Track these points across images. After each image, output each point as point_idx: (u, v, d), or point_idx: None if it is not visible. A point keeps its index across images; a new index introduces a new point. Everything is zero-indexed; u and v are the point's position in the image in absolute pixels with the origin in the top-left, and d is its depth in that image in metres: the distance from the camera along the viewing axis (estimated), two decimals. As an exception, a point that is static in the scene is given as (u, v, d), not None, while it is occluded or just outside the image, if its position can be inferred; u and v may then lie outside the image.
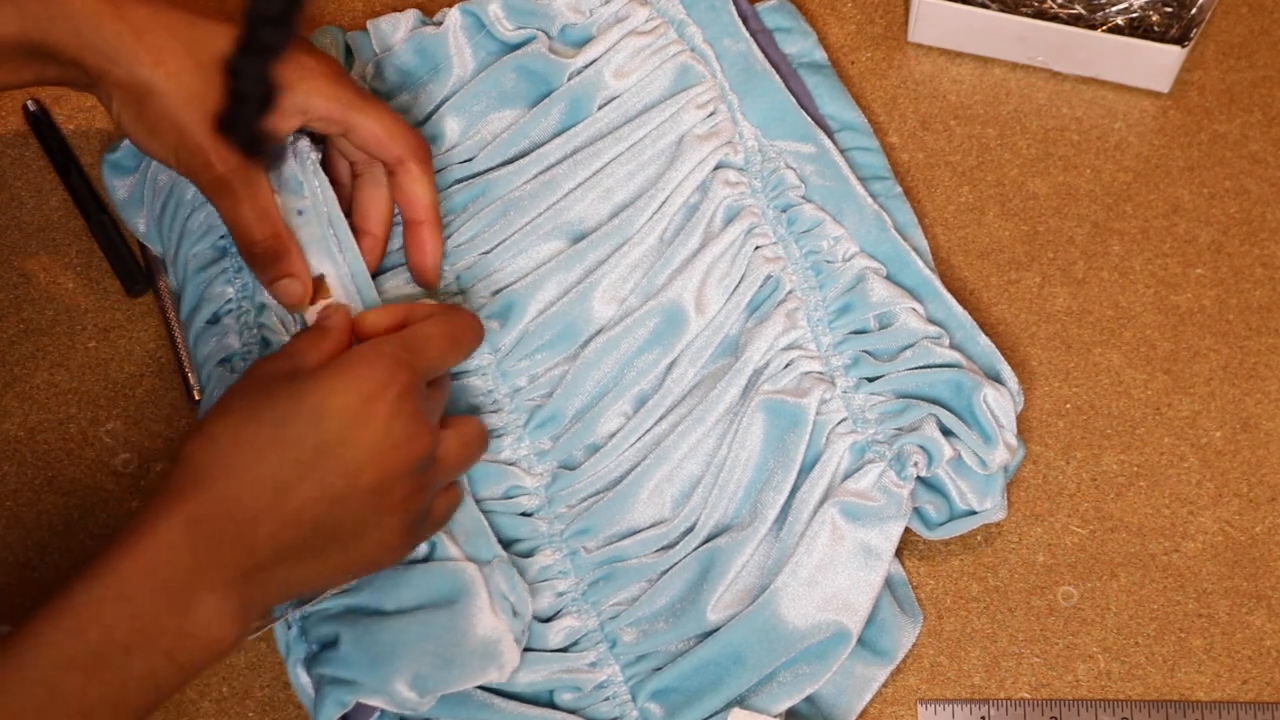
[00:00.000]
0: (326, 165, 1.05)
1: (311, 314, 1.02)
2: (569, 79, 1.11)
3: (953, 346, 1.06)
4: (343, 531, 0.92)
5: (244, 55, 0.77)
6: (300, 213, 1.04)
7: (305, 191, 1.04)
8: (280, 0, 0.75)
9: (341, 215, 1.05)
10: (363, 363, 0.92)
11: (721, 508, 1.03)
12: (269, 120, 0.83)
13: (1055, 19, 1.13)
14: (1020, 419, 1.06)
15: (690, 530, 1.03)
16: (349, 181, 1.07)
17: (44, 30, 0.97)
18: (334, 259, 1.04)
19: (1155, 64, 1.14)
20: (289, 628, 1.00)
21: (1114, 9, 1.14)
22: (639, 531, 1.03)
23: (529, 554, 1.02)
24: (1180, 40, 1.13)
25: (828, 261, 1.07)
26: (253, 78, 0.77)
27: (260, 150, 0.81)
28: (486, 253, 1.08)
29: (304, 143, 1.03)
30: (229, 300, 1.06)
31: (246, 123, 0.79)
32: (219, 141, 0.97)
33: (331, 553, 0.92)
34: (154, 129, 0.99)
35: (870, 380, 1.05)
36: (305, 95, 1.00)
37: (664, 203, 1.08)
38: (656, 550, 1.03)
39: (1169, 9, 1.14)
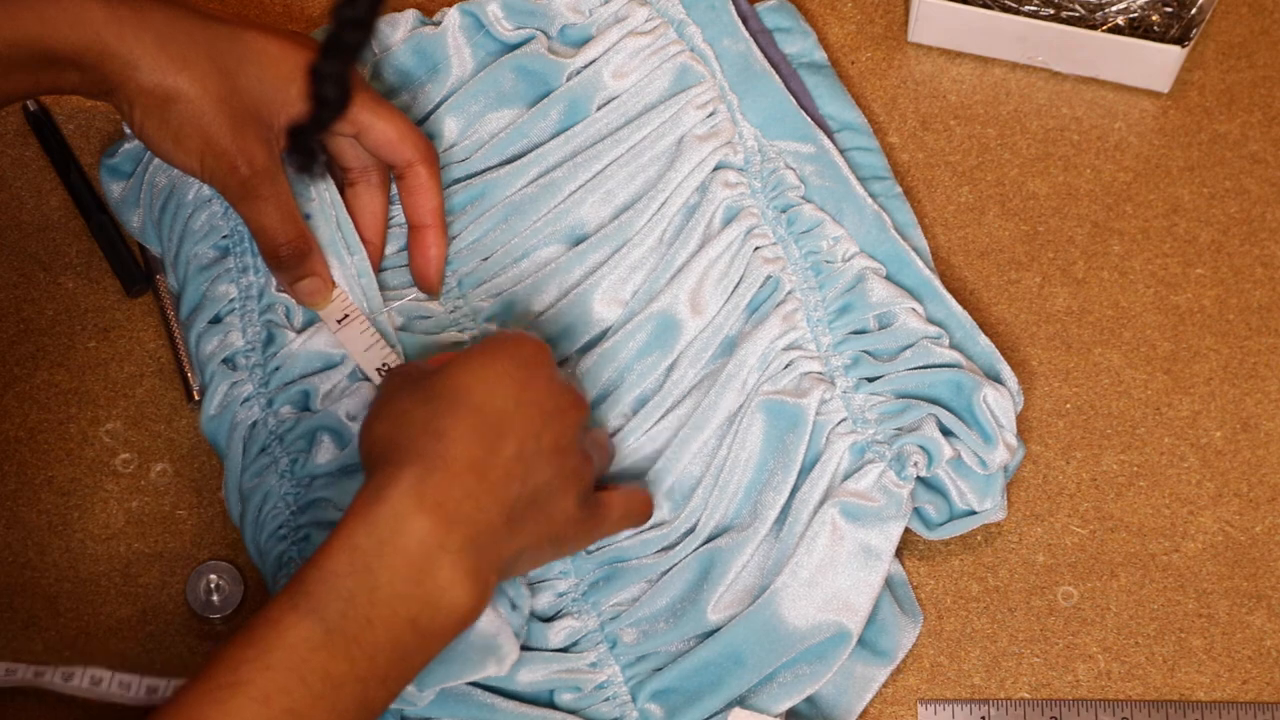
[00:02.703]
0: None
1: (331, 309, 1.03)
2: (568, 79, 1.11)
3: (953, 346, 1.06)
4: (539, 495, 0.92)
5: (328, 58, 0.78)
6: (309, 216, 1.04)
7: (312, 194, 1.04)
8: (363, 4, 0.76)
9: (348, 218, 1.05)
10: (509, 338, 0.94)
11: (722, 508, 1.03)
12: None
13: (1055, 19, 1.13)
14: (1020, 419, 1.06)
15: (691, 531, 1.03)
16: (340, 187, 1.07)
17: (64, 37, 0.97)
18: (342, 260, 1.04)
19: (1155, 64, 1.14)
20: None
21: (1114, 9, 1.14)
22: (639, 532, 1.03)
23: (529, 554, 1.02)
24: (1180, 40, 1.13)
25: (827, 262, 1.07)
26: (334, 80, 0.78)
27: (315, 158, 0.82)
28: (487, 258, 1.08)
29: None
30: (232, 299, 1.06)
31: (320, 127, 0.80)
32: (243, 145, 0.98)
33: (534, 519, 0.93)
34: (178, 135, 0.99)
35: (870, 380, 1.05)
36: None
37: (663, 204, 1.08)
38: (657, 551, 1.03)
39: (1169, 9, 1.14)
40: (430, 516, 0.89)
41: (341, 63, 0.78)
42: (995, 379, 1.05)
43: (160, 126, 0.99)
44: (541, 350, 0.94)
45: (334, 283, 1.04)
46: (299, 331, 1.05)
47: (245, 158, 0.99)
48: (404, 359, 1.04)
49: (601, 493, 0.98)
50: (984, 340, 1.06)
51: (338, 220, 1.05)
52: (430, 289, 1.06)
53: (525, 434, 0.92)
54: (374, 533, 0.88)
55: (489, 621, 0.97)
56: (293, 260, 1.02)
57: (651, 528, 1.03)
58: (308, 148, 0.81)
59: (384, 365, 1.03)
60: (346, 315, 1.04)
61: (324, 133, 0.81)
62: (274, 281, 1.05)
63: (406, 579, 0.88)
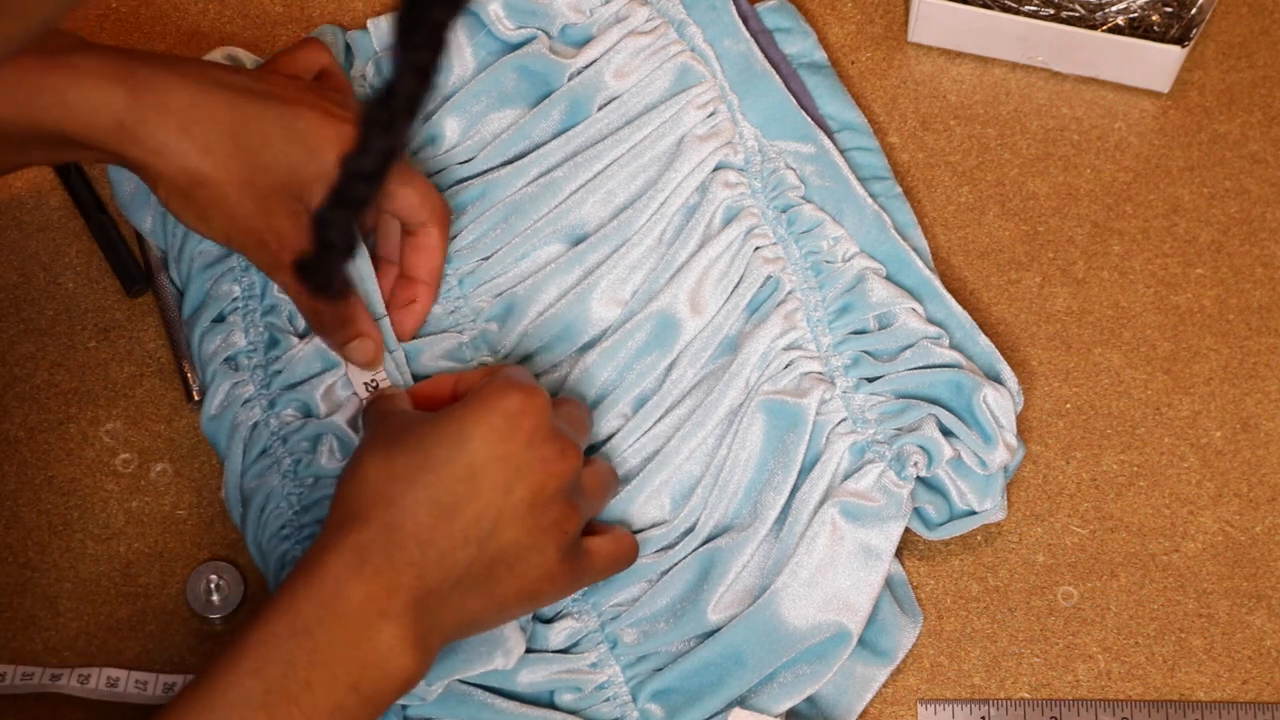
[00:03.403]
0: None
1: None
2: (569, 79, 1.11)
3: (953, 346, 1.06)
4: (506, 555, 0.92)
5: (334, 208, 0.78)
6: None
7: None
8: (376, 159, 0.76)
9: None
10: (498, 390, 0.93)
11: (722, 508, 1.03)
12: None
13: (1055, 19, 1.13)
14: (1020, 419, 1.06)
15: (690, 531, 1.03)
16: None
17: (86, 123, 0.97)
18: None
19: (1155, 64, 1.13)
20: None
21: (1114, 9, 1.14)
22: (639, 532, 1.03)
23: (529, 554, 1.02)
24: (1180, 40, 1.13)
25: (827, 262, 1.07)
26: (340, 229, 0.78)
27: (333, 292, 0.82)
28: (487, 258, 1.08)
29: None
30: (235, 298, 1.06)
31: (327, 270, 0.80)
32: (269, 222, 0.98)
33: (498, 579, 0.93)
34: (203, 215, 1.00)
35: (870, 380, 1.05)
36: None
37: (663, 204, 1.08)
38: (657, 551, 1.03)
39: (1169, 9, 1.14)
40: (370, 583, 0.89)
41: (348, 213, 0.78)
42: (995, 379, 1.05)
43: (186, 207, 1.00)
44: (529, 401, 0.93)
45: (382, 341, 1.04)
46: (301, 336, 1.05)
47: (273, 234, 1.00)
48: (402, 374, 1.04)
49: (588, 539, 0.98)
50: (984, 340, 1.06)
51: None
52: (402, 336, 1.06)
53: (491, 492, 0.92)
54: (314, 595, 0.89)
55: None
56: (335, 325, 1.02)
57: (651, 527, 1.03)
58: (319, 284, 0.81)
59: (372, 381, 1.03)
60: (375, 383, 1.04)
61: (331, 275, 0.80)
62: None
63: (346, 643, 0.88)
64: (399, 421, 0.95)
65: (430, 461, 0.91)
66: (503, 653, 0.97)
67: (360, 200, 0.77)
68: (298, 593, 0.89)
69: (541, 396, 0.94)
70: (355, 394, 1.04)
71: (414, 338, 1.06)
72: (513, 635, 0.97)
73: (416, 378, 1.05)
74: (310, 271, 0.80)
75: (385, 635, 0.89)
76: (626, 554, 1.00)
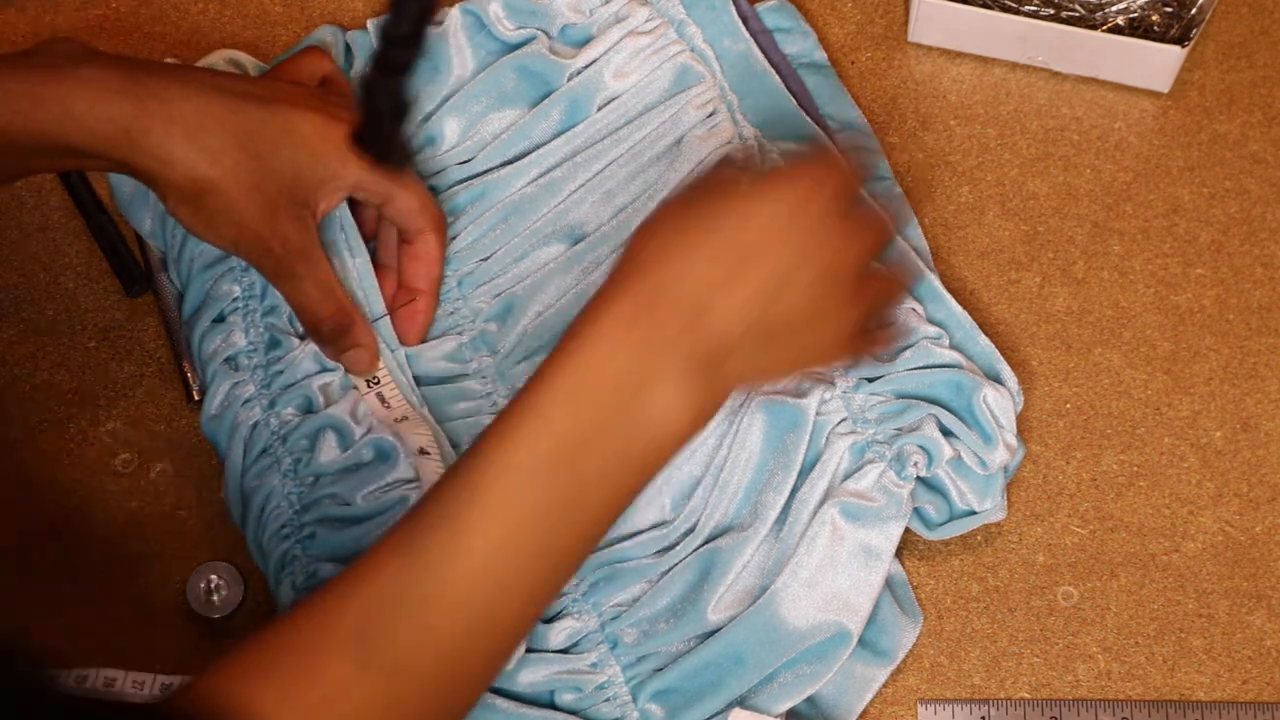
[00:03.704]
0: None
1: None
2: (569, 79, 1.11)
3: (953, 346, 1.06)
4: (791, 322, 0.91)
5: (378, 73, 0.79)
6: None
7: None
8: (410, 21, 0.77)
9: (352, 221, 1.05)
10: (799, 163, 0.92)
11: (722, 509, 1.02)
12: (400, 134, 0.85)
13: (1055, 19, 1.13)
14: (1020, 419, 1.06)
15: (691, 531, 1.03)
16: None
17: (91, 133, 0.97)
18: (344, 262, 1.04)
19: (1155, 64, 1.13)
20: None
21: (1114, 9, 1.14)
22: (640, 533, 1.03)
23: (529, 554, 1.02)
24: (1180, 40, 1.13)
25: (828, 262, 1.07)
26: (386, 93, 0.79)
27: (397, 157, 0.82)
28: (486, 259, 1.08)
29: None
30: (235, 299, 1.06)
31: (381, 135, 0.81)
32: (276, 228, 0.98)
33: (783, 344, 0.91)
34: (211, 222, 1.00)
35: (870, 380, 1.05)
36: (358, 171, 1.02)
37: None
38: (657, 551, 1.02)
39: (1169, 9, 1.14)
40: (647, 344, 0.88)
41: (392, 79, 0.79)
42: (995, 379, 1.05)
43: (193, 214, 1.00)
44: (830, 173, 0.91)
45: (379, 352, 1.04)
46: (301, 337, 1.05)
47: (279, 240, 1.00)
48: (404, 372, 1.04)
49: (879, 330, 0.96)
50: (984, 340, 1.06)
51: (341, 222, 1.05)
52: (406, 344, 1.06)
53: (776, 267, 0.90)
54: (592, 357, 0.88)
55: None
56: (335, 334, 1.03)
57: (652, 528, 1.03)
58: (383, 152, 0.81)
59: (374, 378, 1.03)
60: (376, 379, 1.04)
61: (389, 139, 0.80)
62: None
63: (624, 403, 0.88)
64: (712, 182, 0.92)
65: (720, 224, 0.90)
66: None
67: (402, 64, 0.79)
68: (576, 352, 0.88)
69: (842, 174, 0.92)
70: (355, 389, 1.04)
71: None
72: None
73: (416, 379, 1.05)
74: (366, 142, 0.81)
75: (661, 396, 0.88)
76: (901, 285, 0.99)
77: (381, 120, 0.80)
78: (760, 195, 0.91)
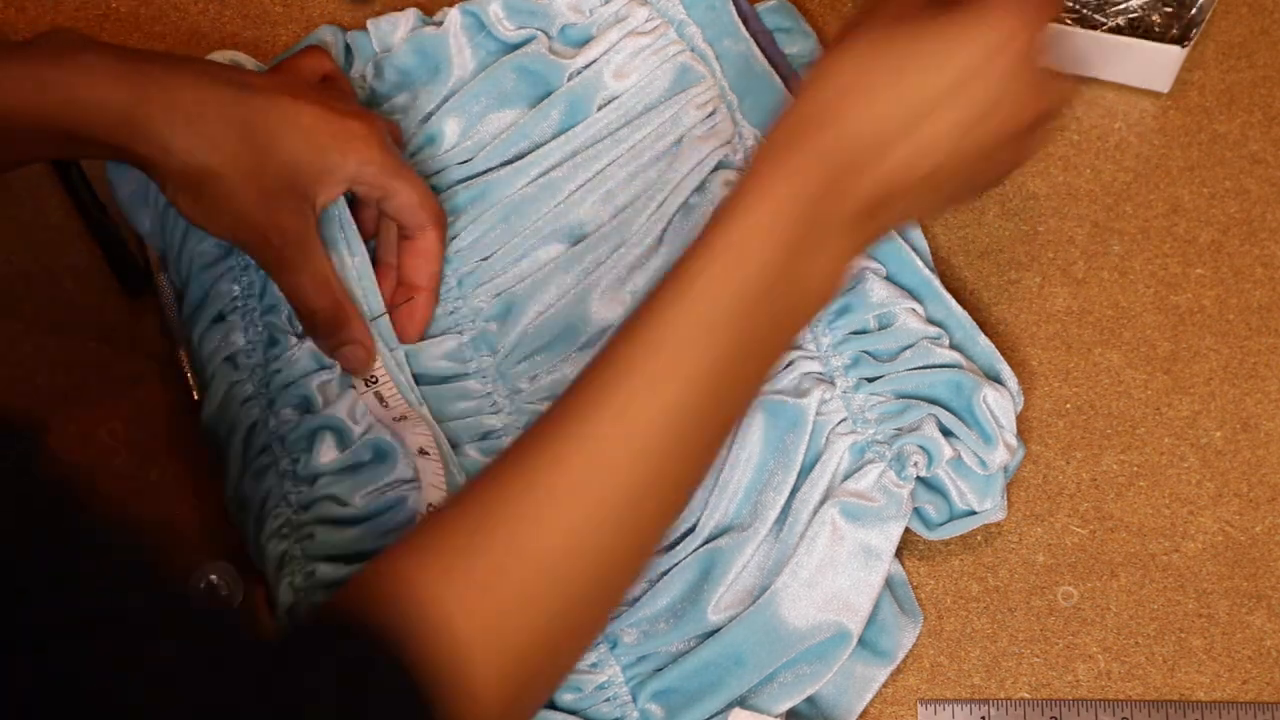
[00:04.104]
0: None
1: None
2: (569, 79, 1.11)
3: (953, 347, 1.06)
4: (961, 168, 0.89)
5: None
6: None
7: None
8: None
9: (351, 219, 1.05)
10: (995, 8, 0.89)
11: (722, 508, 1.03)
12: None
13: (1055, 19, 1.13)
14: (1020, 419, 1.06)
15: (691, 531, 1.03)
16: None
17: (92, 119, 0.97)
18: (343, 260, 1.04)
19: (1155, 64, 1.14)
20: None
21: (1114, 9, 1.14)
22: (639, 532, 1.03)
23: (529, 554, 1.02)
24: (1180, 40, 1.13)
25: (828, 261, 1.07)
26: None
27: None
28: (486, 258, 1.08)
29: None
30: (234, 298, 1.06)
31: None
32: (275, 219, 0.98)
33: (944, 187, 0.90)
34: (210, 211, 1.00)
35: (870, 380, 1.05)
36: (357, 164, 1.02)
37: (662, 204, 1.08)
38: (657, 551, 1.02)
39: (1169, 9, 1.14)
40: (829, 191, 0.87)
41: None
42: (995, 379, 1.05)
43: (193, 202, 1.00)
44: (1024, 24, 0.88)
45: (375, 350, 1.04)
46: (300, 336, 1.05)
47: (277, 230, 1.00)
48: (403, 372, 1.04)
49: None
50: (984, 340, 1.06)
51: (340, 221, 1.05)
52: (404, 342, 1.06)
53: (962, 118, 0.88)
54: (783, 197, 0.86)
55: None
56: (329, 328, 1.02)
57: (652, 528, 1.03)
58: None
59: (372, 376, 1.03)
60: (375, 378, 1.04)
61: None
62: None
63: (806, 250, 0.86)
64: (899, 14, 0.90)
65: (910, 66, 0.88)
66: None
67: None
68: (769, 192, 0.86)
69: (1039, 21, 0.89)
70: (353, 387, 1.04)
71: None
72: None
73: (416, 378, 1.05)
74: None
75: (830, 247, 0.87)
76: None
77: None
78: (954, 36, 0.88)
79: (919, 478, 1.03)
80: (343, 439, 1.03)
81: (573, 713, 0.99)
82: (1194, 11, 1.13)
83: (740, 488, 1.03)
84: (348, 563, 1.01)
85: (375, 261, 1.07)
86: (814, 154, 0.87)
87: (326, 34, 1.13)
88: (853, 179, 0.88)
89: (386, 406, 1.03)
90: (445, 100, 1.12)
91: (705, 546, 1.02)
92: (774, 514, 1.02)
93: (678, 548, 1.02)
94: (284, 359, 1.05)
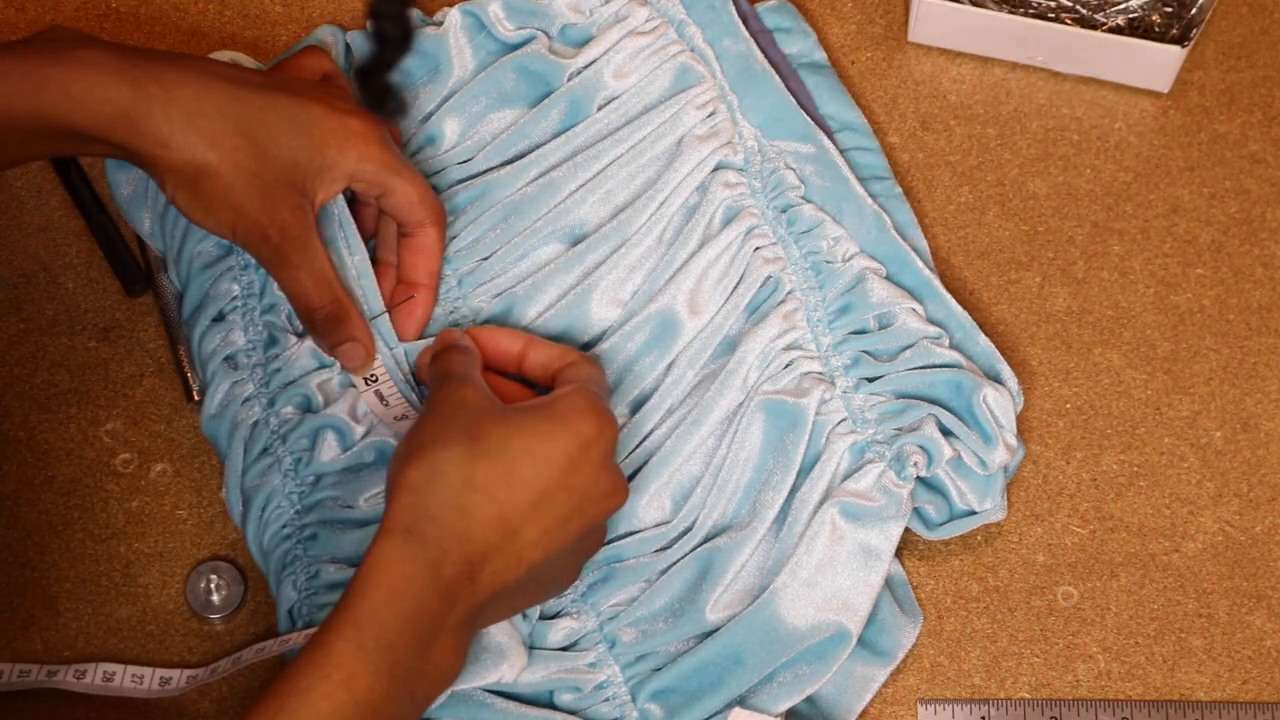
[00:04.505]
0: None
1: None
2: (569, 79, 1.11)
3: (953, 347, 1.06)
4: (545, 574, 0.93)
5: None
6: None
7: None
8: None
9: (350, 217, 1.05)
10: (580, 411, 0.93)
11: (720, 508, 1.03)
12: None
13: (1055, 19, 1.13)
14: (1020, 419, 1.06)
15: (689, 530, 1.03)
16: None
17: (90, 115, 0.97)
18: (343, 259, 1.04)
19: (1155, 64, 1.14)
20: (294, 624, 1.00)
21: (1114, 9, 1.14)
22: (637, 532, 1.03)
23: (529, 554, 1.02)
24: (1180, 40, 1.13)
25: (827, 262, 1.07)
26: (394, 18, 0.78)
27: (387, 103, 0.81)
28: (486, 258, 1.08)
29: None
30: (234, 297, 1.06)
31: (385, 66, 0.78)
32: (273, 215, 0.98)
33: (531, 592, 0.94)
34: (209, 207, 0.99)
35: (870, 380, 1.05)
36: (356, 161, 1.01)
37: (662, 204, 1.08)
38: (655, 551, 1.03)
39: (1169, 9, 1.14)
40: (443, 598, 0.89)
41: (399, 2, 0.76)
42: (995, 379, 1.05)
43: (191, 199, 0.99)
44: (604, 430, 0.94)
45: (374, 347, 1.03)
46: (300, 335, 1.05)
47: (276, 226, 0.99)
48: (402, 370, 1.04)
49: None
50: (984, 340, 1.06)
51: (339, 219, 1.05)
52: (404, 339, 1.06)
53: (555, 518, 0.92)
54: (395, 610, 0.88)
55: (503, 632, 0.97)
56: (328, 325, 1.02)
57: (650, 526, 1.03)
58: (377, 88, 0.80)
59: (371, 375, 1.03)
60: (375, 377, 1.04)
61: (389, 72, 0.78)
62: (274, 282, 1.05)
63: (418, 655, 0.88)
64: (478, 416, 0.93)
65: (510, 479, 0.91)
66: (508, 666, 0.97)
67: None
68: (380, 602, 0.88)
69: (614, 425, 0.94)
70: (353, 386, 1.04)
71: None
72: (515, 648, 0.97)
73: (416, 379, 1.05)
74: (369, 74, 0.78)
75: (443, 647, 0.89)
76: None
77: (388, 49, 0.78)
78: (552, 438, 0.92)
79: (919, 478, 1.03)
80: (344, 438, 1.03)
81: (572, 712, 0.99)
82: (1194, 11, 1.13)
83: (739, 487, 1.03)
84: (351, 565, 1.01)
85: (375, 260, 1.07)
86: (425, 566, 0.89)
87: (326, 34, 1.13)
88: (461, 588, 0.90)
89: (387, 405, 1.03)
90: (445, 100, 1.12)
91: (704, 546, 1.02)
92: (772, 513, 1.02)
93: (675, 547, 1.02)
94: (284, 358, 1.05)
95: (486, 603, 0.91)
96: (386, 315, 1.05)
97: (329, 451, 1.03)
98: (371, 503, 1.02)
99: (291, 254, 1.00)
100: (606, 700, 1.00)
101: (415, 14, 1.14)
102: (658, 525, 1.03)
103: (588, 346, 1.06)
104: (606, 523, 0.97)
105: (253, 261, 1.06)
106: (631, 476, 1.03)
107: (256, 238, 1.00)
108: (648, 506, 1.03)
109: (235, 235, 1.00)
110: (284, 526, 1.02)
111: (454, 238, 1.08)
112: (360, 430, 1.03)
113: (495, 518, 0.91)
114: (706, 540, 1.02)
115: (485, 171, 1.10)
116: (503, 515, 0.91)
